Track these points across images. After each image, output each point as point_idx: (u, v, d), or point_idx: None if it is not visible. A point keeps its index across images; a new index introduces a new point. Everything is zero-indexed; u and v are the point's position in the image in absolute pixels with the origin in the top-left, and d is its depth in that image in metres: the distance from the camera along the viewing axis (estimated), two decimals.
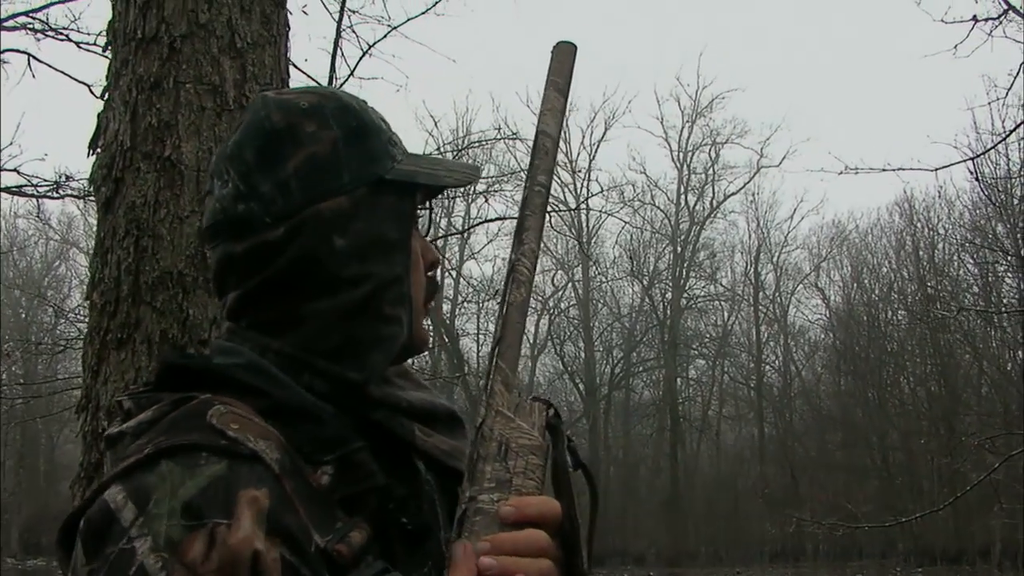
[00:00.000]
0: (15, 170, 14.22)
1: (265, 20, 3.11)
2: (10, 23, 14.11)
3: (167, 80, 2.91)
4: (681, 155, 45.49)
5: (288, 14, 3.33)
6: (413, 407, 1.60)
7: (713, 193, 45.59)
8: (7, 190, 14.87)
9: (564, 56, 1.64)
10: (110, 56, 3.11)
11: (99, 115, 3.09)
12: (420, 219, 1.66)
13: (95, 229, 3.10)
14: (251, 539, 1.29)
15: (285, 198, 1.52)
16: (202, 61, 2.94)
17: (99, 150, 3.05)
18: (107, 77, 3.10)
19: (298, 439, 1.44)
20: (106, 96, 3.08)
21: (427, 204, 1.72)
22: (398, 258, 1.57)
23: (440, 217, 38.79)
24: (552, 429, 1.43)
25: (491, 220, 22.88)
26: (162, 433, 1.41)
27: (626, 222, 39.23)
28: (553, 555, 1.38)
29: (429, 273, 1.64)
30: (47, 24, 14.09)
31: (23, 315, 39.55)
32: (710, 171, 45.49)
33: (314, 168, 1.54)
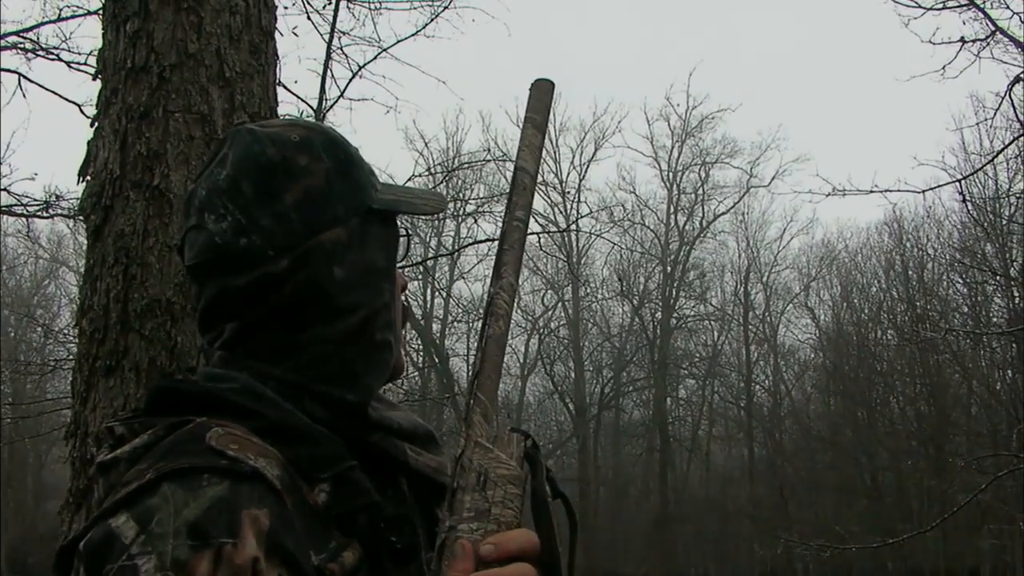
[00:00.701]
0: (5, 189, 14.22)
1: (254, 50, 3.13)
2: (1, 43, 14.12)
3: (156, 109, 2.93)
4: (671, 175, 45.56)
5: (279, 35, 3.35)
6: (403, 428, 1.65)
7: (703, 213, 45.65)
8: None
9: (542, 93, 1.67)
10: (100, 85, 3.12)
11: (89, 143, 3.11)
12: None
13: (85, 257, 3.12)
14: (256, 557, 1.31)
15: (286, 230, 1.56)
16: (191, 91, 2.96)
17: (89, 178, 3.06)
18: (97, 106, 3.12)
19: (295, 458, 1.47)
20: (96, 124, 3.09)
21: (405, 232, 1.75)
22: (386, 285, 1.65)
23: (430, 238, 38.85)
24: (530, 459, 1.46)
25: (481, 241, 22.82)
26: (161, 458, 1.42)
27: (615, 243, 39.21)
28: None
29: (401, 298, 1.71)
30: (38, 44, 14.10)
31: (12, 334, 39.45)
32: (700, 191, 45.55)
33: (311, 200, 1.57)
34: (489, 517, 1.37)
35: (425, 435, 1.71)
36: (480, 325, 1.52)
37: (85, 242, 3.14)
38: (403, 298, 1.74)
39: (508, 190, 1.58)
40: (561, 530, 1.49)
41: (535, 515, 1.48)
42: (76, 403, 2.96)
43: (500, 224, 1.59)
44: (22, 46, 14.16)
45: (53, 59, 14.10)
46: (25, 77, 13.79)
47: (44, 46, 14.14)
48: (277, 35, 3.29)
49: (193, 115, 2.93)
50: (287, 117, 2.03)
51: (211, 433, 1.44)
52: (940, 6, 12.29)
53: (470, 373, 1.50)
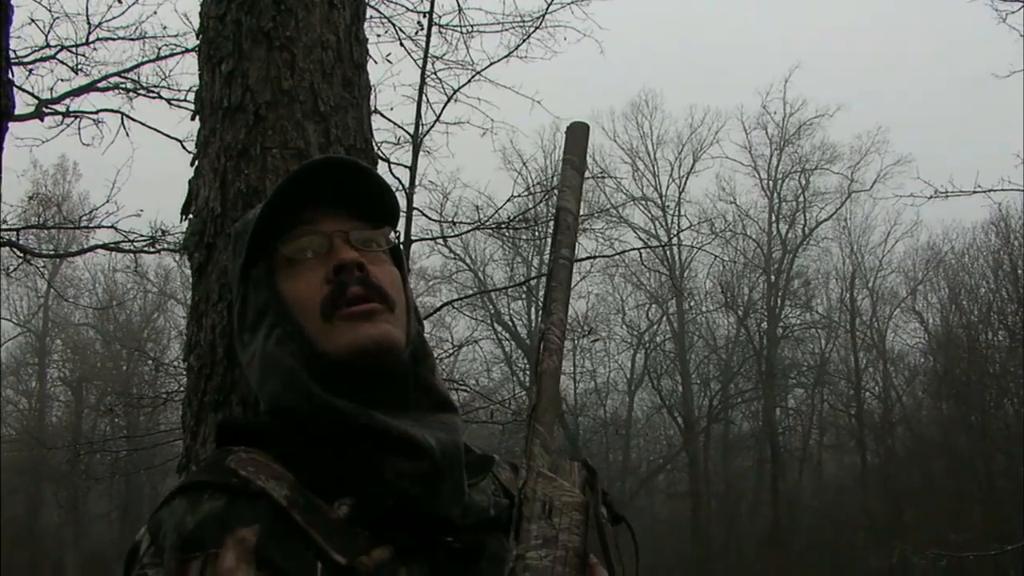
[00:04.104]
0: (112, 227, 14.58)
1: (347, 83, 3.17)
2: (103, 84, 14.46)
3: (254, 147, 2.97)
4: (771, 184, 45.15)
5: (374, 63, 3.39)
6: (399, 440, 1.69)
7: (804, 220, 45.13)
8: (106, 246, 15.23)
9: (578, 135, 1.76)
10: (198, 124, 3.18)
11: (190, 182, 3.17)
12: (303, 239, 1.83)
13: (190, 293, 3.18)
14: (233, 572, 1.50)
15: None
16: (287, 127, 3.00)
17: (191, 216, 3.12)
18: (196, 145, 3.18)
19: (312, 480, 1.63)
20: (196, 163, 3.15)
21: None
22: (269, 313, 1.81)
23: (531, 256, 38.90)
24: (590, 486, 1.50)
25: (581, 259, 22.81)
26: (188, 478, 1.72)
27: (716, 256, 38.83)
28: None
29: (338, 276, 1.78)
30: (139, 83, 14.45)
31: (124, 368, 40.09)
32: (800, 198, 45.08)
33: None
34: (557, 544, 1.42)
35: (446, 457, 1.71)
36: (534, 360, 1.57)
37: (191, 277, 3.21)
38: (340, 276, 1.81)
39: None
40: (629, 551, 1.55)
41: (599, 538, 1.54)
42: (187, 437, 3.02)
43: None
44: (123, 86, 14.50)
45: (154, 97, 14.44)
46: (128, 116, 14.12)
47: (144, 85, 14.50)
48: (372, 63, 3.33)
49: (290, 150, 2.97)
50: None
51: (232, 457, 1.67)
52: None
53: (528, 407, 1.55)
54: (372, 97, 3.33)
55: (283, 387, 1.73)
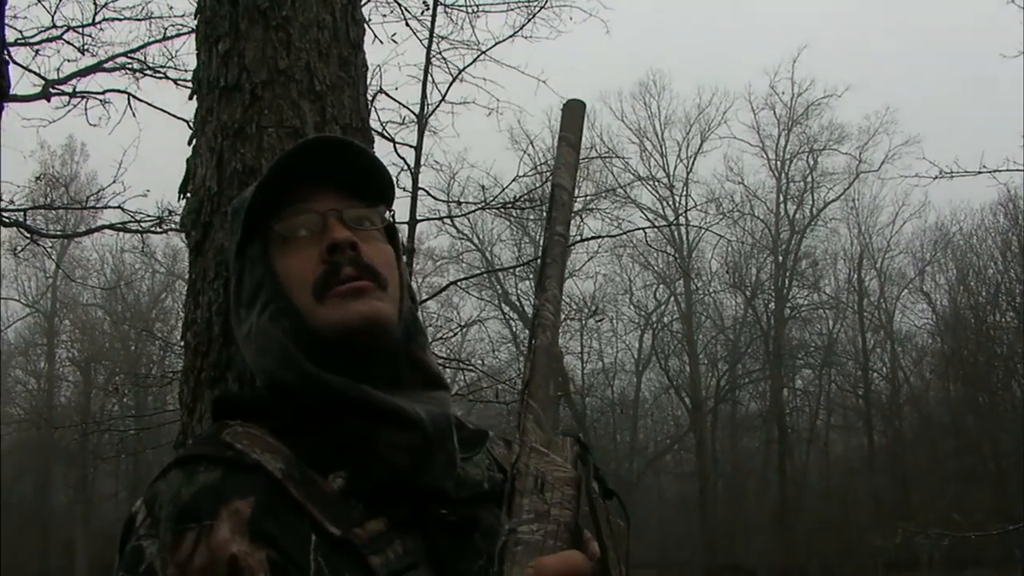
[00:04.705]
0: (120, 207, 14.59)
1: (343, 63, 3.17)
2: (110, 64, 14.47)
3: (250, 126, 2.98)
4: (779, 164, 45.08)
5: (379, 42, 3.40)
6: (388, 412, 1.69)
7: (812, 201, 45.13)
8: (113, 227, 15.26)
9: (574, 113, 1.76)
10: (196, 104, 3.19)
11: (188, 161, 3.18)
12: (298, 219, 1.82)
13: (188, 272, 3.20)
14: (228, 543, 1.50)
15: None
16: (283, 106, 3.00)
17: (189, 195, 3.14)
18: (193, 124, 3.19)
19: (307, 453, 1.64)
20: (193, 143, 3.16)
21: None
22: (263, 290, 1.81)
23: (539, 236, 38.84)
24: (582, 460, 1.51)
25: (588, 238, 22.79)
26: (184, 450, 1.70)
27: (721, 236, 38.74)
28: None
29: (332, 256, 1.77)
30: (145, 64, 14.45)
31: (132, 348, 40.15)
32: (808, 179, 45.03)
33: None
34: (548, 518, 1.42)
35: (437, 429, 1.73)
36: (528, 336, 1.58)
37: None
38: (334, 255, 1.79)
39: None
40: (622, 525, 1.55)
41: (590, 512, 1.54)
42: (184, 414, 3.03)
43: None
44: (130, 66, 14.52)
45: (160, 77, 14.44)
46: (134, 96, 14.13)
47: (151, 65, 14.50)
48: (378, 43, 3.35)
49: (286, 129, 2.98)
50: None
51: (227, 431, 1.67)
52: None
53: (521, 382, 1.56)
54: (378, 77, 3.36)
55: (278, 364, 1.73)
